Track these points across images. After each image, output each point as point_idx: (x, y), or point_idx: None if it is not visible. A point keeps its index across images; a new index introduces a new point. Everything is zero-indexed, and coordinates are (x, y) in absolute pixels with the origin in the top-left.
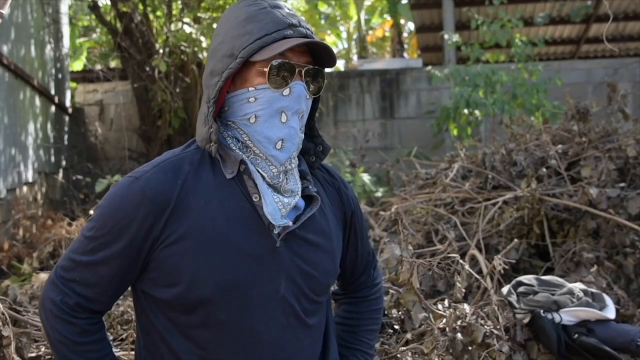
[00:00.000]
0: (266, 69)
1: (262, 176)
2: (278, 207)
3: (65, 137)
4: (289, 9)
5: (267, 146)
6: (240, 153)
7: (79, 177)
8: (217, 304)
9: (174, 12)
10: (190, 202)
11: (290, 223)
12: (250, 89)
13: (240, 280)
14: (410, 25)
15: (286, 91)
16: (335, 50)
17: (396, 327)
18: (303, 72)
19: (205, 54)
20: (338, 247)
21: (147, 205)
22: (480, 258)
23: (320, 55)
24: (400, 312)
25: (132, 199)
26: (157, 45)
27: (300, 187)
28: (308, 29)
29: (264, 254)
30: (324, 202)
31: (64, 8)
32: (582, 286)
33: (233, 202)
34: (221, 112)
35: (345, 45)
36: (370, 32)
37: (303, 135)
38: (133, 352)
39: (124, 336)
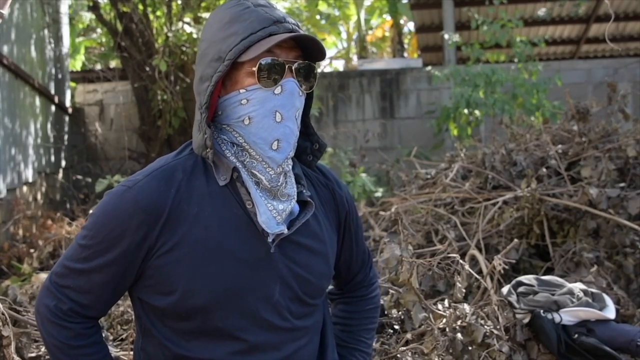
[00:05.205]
0: (255, 69)
1: (258, 182)
2: (272, 215)
3: (65, 137)
4: (272, 6)
5: (263, 147)
6: (234, 160)
7: (79, 177)
8: (213, 311)
9: (174, 12)
10: (184, 211)
11: (286, 230)
12: (242, 90)
13: (236, 288)
14: (410, 25)
15: (277, 89)
16: (335, 50)
17: (396, 327)
18: (293, 68)
19: None
20: (332, 250)
21: (141, 215)
22: (480, 258)
23: (310, 49)
24: (400, 312)
25: (124, 209)
26: (157, 45)
27: (296, 191)
28: (294, 24)
29: (258, 260)
30: (317, 205)
31: (64, 8)
32: (582, 286)
33: (226, 209)
34: (215, 116)
35: (345, 45)
36: (370, 32)
37: (298, 134)
38: (132, 352)
39: (124, 336)
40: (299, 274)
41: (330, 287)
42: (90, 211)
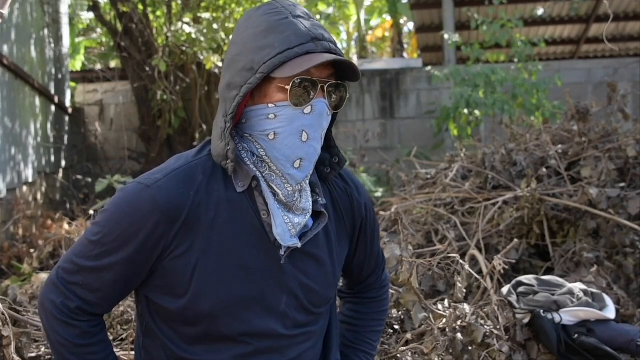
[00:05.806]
0: (288, 87)
1: (274, 194)
2: (288, 228)
3: (65, 137)
4: (311, 19)
5: (285, 164)
6: (254, 169)
7: (79, 177)
8: (219, 318)
9: (174, 12)
10: (200, 215)
11: (299, 244)
12: (270, 105)
13: (244, 297)
14: (410, 25)
15: (307, 109)
16: None
17: (396, 327)
18: (326, 88)
19: (205, 54)
20: (339, 259)
21: (158, 215)
22: (480, 258)
23: (343, 67)
24: (400, 312)
25: (142, 208)
26: (157, 45)
27: (311, 204)
28: (331, 42)
29: (268, 270)
30: (330, 213)
31: (64, 8)
32: (582, 286)
33: (242, 216)
34: (238, 123)
35: (345, 46)
36: (370, 32)
37: (320, 151)
38: (133, 352)
39: (124, 336)
40: (306, 284)
41: (341, 285)
42: (91, 211)
